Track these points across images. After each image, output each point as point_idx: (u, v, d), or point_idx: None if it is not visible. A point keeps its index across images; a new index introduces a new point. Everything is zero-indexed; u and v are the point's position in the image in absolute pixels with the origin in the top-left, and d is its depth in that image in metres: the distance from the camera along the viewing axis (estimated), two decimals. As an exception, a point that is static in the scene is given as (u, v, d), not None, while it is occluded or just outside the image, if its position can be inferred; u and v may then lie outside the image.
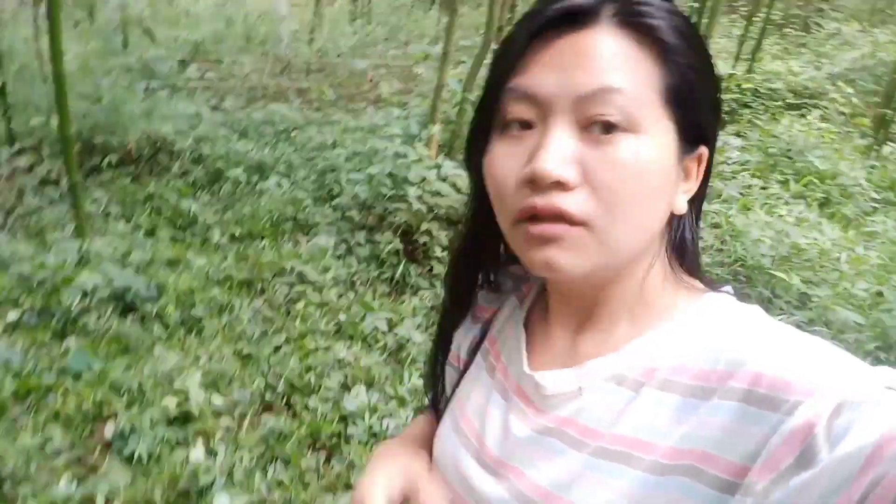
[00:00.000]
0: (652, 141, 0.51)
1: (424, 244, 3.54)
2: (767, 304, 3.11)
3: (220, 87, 5.75)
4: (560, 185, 0.50)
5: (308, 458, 2.26)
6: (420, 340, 2.92)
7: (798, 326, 0.52)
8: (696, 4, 5.84)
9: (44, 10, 3.76)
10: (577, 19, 0.51)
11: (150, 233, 3.57)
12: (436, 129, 4.11)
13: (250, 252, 3.46)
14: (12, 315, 2.74)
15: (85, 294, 2.86)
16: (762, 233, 3.65)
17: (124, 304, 2.91)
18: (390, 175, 3.76)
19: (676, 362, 0.52)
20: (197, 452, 2.15)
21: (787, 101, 6.40)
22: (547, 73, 0.51)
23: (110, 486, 1.98)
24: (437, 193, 3.63)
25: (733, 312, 0.54)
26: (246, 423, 2.36)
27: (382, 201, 3.72)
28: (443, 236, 3.54)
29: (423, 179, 3.65)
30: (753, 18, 7.25)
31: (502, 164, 0.54)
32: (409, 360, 2.82)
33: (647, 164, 0.51)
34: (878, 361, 1.84)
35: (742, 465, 0.45)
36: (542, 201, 0.50)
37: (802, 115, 5.98)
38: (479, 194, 0.59)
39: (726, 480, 0.45)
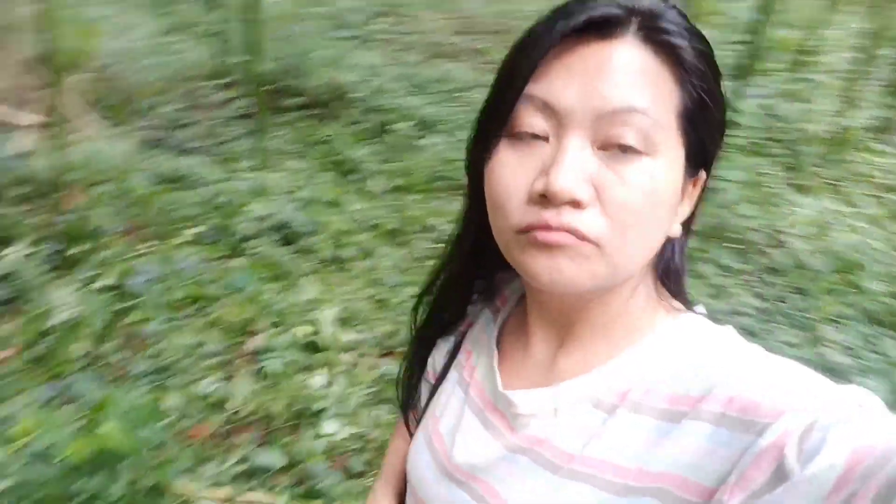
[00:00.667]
0: (666, 164, 0.50)
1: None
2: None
3: (403, 42, 5.98)
4: (573, 203, 0.49)
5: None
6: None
7: None
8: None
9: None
10: (604, 28, 0.49)
11: (317, 173, 3.88)
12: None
13: (402, 204, 3.65)
14: (194, 231, 3.17)
15: (257, 220, 3.23)
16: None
17: (286, 235, 3.24)
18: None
19: (650, 385, 0.52)
20: (317, 379, 2.36)
21: None
22: (567, 83, 0.49)
23: (242, 394, 2.26)
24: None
25: (707, 334, 0.54)
26: (366, 362, 2.55)
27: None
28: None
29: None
30: None
31: (510, 174, 0.51)
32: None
33: (661, 187, 0.49)
34: None
35: (713, 489, 0.44)
36: (555, 220, 0.48)
37: None
38: (478, 202, 0.56)
39: (696, 503, 0.45)
